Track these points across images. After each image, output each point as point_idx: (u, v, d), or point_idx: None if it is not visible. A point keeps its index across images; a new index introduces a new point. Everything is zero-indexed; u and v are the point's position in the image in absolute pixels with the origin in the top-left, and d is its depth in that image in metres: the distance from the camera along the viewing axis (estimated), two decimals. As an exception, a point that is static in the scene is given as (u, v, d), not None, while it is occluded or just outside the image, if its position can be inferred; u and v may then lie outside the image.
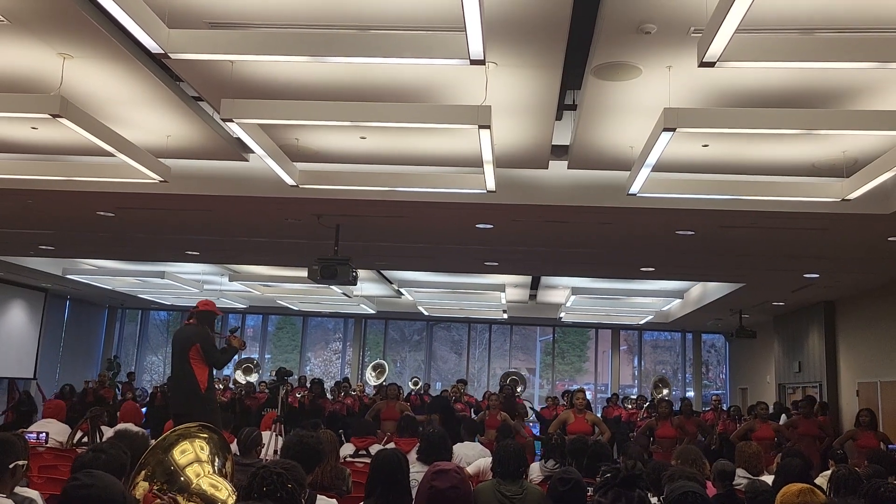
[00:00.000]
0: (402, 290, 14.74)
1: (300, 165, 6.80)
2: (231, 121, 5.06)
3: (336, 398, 13.49)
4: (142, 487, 2.70)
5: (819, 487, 3.36)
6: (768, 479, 4.59)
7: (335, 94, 5.55)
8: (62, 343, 17.93)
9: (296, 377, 14.72)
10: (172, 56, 4.17)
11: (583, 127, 6.05)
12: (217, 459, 2.86)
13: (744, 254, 9.26)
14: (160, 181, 6.38)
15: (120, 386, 15.86)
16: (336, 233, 8.51)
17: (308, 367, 20.14)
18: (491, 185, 6.14)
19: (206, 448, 2.87)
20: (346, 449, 6.53)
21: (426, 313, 17.35)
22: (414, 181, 6.59)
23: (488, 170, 5.84)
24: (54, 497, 4.45)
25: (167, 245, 10.58)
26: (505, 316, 17.04)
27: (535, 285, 14.40)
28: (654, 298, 15.03)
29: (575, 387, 16.95)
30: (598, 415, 12.26)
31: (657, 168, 5.65)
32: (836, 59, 3.92)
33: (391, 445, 5.79)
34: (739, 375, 18.29)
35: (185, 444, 2.84)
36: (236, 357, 9.47)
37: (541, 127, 6.10)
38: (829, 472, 4.68)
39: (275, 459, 3.36)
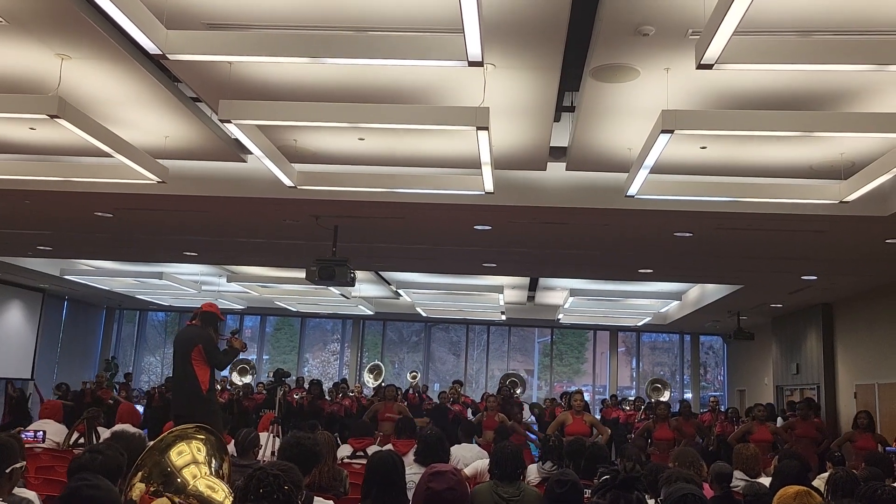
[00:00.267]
0: (400, 291, 14.73)
1: (298, 166, 6.79)
2: (229, 122, 5.06)
3: (334, 399, 13.47)
4: (138, 489, 2.69)
5: (816, 490, 3.36)
6: (766, 481, 4.60)
7: (333, 95, 5.55)
8: (60, 344, 17.88)
9: (294, 378, 14.71)
10: (170, 57, 4.17)
11: (581, 128, 6.05)
12: (214, 461, 2.85)
13: (742, 256, 9.26)
14: (158, 182, 6.38)
15: (118, 387, 15.82)
16: (334, 234, 8.51)
17: (306, 368, 20.12)
18: (489, 186, 6.13)
19: (203, 449, 2.86)
20: (344, 450, 6.52)
21: (424, 314, 17.33)
22: (412, 182, 6.59)
23: (486, 171, 5.84)
24: (51, 498, 4.44)
25: (165, 246, 10.56)
26: (503, 317, 17.02)
27: (533, 287, 14.39)
28: (652, 300, 15.03)
29: (573, 388, 16.99)
30: (597, 416, 12.25)
31: (655, 170, 5.66)
32: (833, 61, 3.92)
33: (388, 446, 5.79)
34: (737, 377, 18.29)
35: (182, 446, 2.83)
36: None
37: (539, 128, 6.11)
38: (826, 475, 4.69)
39: (272, 461, 3.35)
